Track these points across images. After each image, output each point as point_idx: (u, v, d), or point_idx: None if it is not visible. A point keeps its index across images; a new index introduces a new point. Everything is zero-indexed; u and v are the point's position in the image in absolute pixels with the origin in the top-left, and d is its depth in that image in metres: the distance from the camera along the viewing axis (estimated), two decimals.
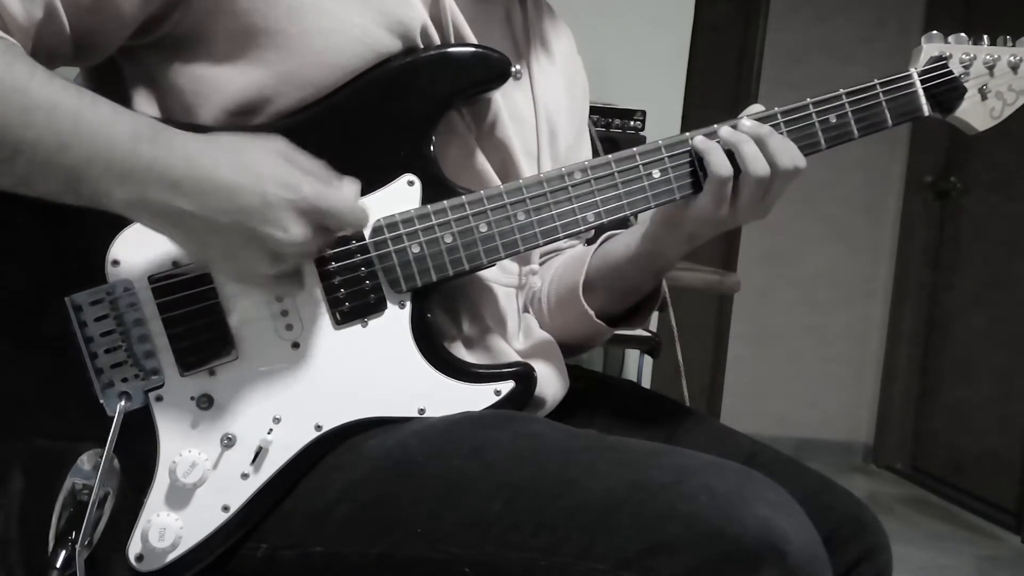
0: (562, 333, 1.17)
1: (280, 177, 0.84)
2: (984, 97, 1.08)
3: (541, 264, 1.24)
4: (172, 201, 0.82)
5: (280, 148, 0.87)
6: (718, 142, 1.00)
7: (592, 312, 1.13)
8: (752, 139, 0.99)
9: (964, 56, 1.07)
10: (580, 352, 1.22)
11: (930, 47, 1.08)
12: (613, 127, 2.32)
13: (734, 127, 1.00)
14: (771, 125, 1.02)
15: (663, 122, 2.55)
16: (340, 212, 0.87)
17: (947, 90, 1.07)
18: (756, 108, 1.03)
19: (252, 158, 0.85)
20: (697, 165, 1.00)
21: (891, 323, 4.62)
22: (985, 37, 1.08)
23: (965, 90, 1.07)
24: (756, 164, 0.98)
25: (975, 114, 1.08)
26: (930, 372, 4.39)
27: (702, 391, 4.14)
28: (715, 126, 1.01)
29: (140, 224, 0.86)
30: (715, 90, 3.86)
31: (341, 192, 0.88)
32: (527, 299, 1.21)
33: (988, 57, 1.07)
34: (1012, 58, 1.07)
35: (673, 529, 0.77)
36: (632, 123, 2.35)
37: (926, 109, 1.07)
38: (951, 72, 1.07)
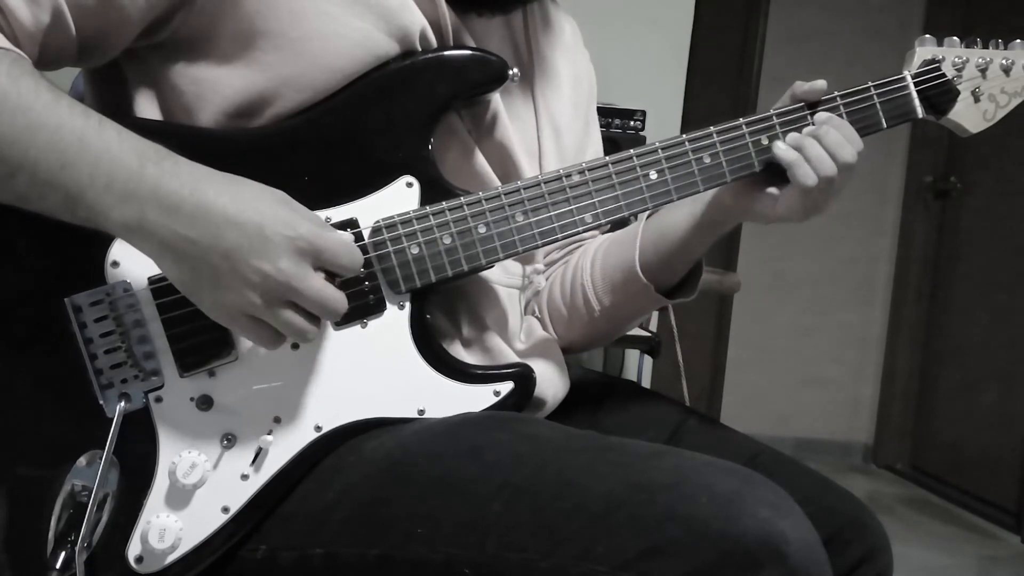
0: (612, 317, 1.18)
1: (280, 216, 0.84)
2: (977, 99, 1.08)
3: (562, 258, 1.24)
4: (170, 225, 0.82)
5: (281, 195, 0.87)
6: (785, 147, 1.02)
7: (652, 286, 1.14)
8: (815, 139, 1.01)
9: (957, 59, 1.07)
10: (617, 336, 1.24)
11: (923, 50, 1.08)
12: (613, 127, 2.32)
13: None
14: (765, 126, 1.02)
15: (663, 122, 2.56)
16: (335, 250, 0.86)
17: (940, 92, 1.07)
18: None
19: (255, 196, 0.85)
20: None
21: (891, 323, 4.62)
22: (978, 40, 1.08)
23: (958, 92, 1.07)
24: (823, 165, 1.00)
25: (968, 116, 1.08)
26: (930, 372, 4.39)
27: (702, 391, 4.14)
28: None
29: (133, 247, 0.85)
30: (715, 90, 3.87)
31: (337, 234, 0.89)
32: (550, 297, 1.22)
33: (980, 60, 1.07)
34: (1004, 61, 1.08)
35: (673, 531, 0.77)
36: (632, 123, 2.36)
37: (919, 111, 1.07)
38: (944, 75, 1.07)
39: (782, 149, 1.02)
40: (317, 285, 0.85)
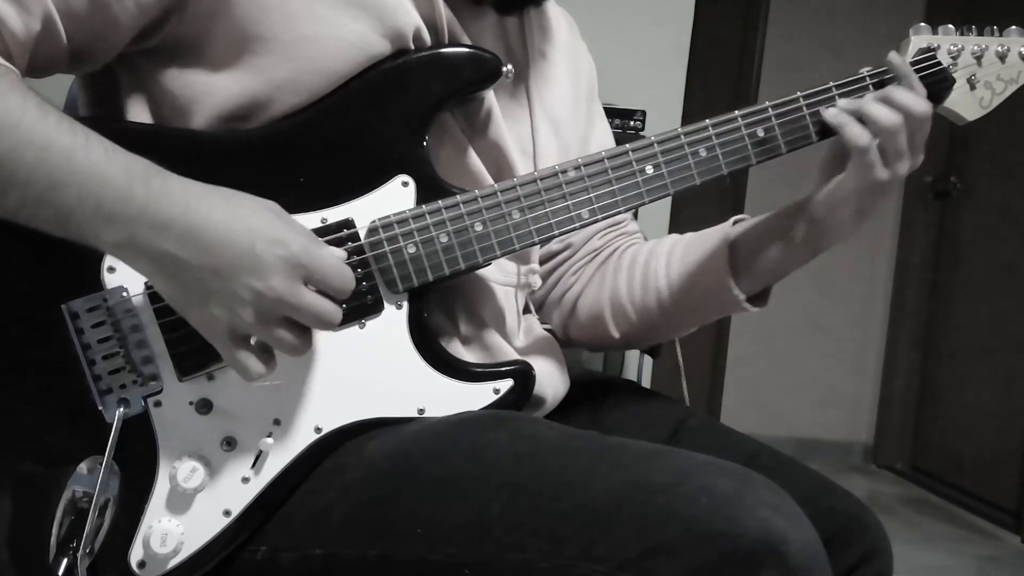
0: (683, 320, 1.18)
1: (271, 233, 0.84)
2: (973, 87, 1.07)
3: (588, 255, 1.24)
4: (160, 243, 0.82)
5: (274, 207, 0.87)
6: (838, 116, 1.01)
7: (743, 298, 1.12)
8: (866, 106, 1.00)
9: (952, 47, 1.07)
10: (676, 336, 1.25)
11: (918, 39, 1.08)
12: (613, 127, 2.31)
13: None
14: (761, 118, 1.02)
15: (663, 122, 2.55)
16: (325, 270, 0.86)
17: (936, 81, 1.06)
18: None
19: (246, 211, 0.85)
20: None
21: (891, 323, 4.61)
22: (973, 28, 1.08)
23: (954, 80, 1.07)
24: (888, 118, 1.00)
25: (964, 104, 1.08)
26: (930, 372, 4.39)
27: (702, 391, 4.14)
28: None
29: (127, 266, 0.85)
30: (715, 90, 3.87)
31: (328, 252, 0.88)
32: (615, 296, 1.21)
33: (976, 47, 1.07)
34: (1000, 48, 1.07)
35: (672, 531, 0.76)
36: (632, 123, 2.36)
37: None
38: (939, 63, 1.07)
39: (832, 114, 1.01)
40: (310, 299, 0.85)
